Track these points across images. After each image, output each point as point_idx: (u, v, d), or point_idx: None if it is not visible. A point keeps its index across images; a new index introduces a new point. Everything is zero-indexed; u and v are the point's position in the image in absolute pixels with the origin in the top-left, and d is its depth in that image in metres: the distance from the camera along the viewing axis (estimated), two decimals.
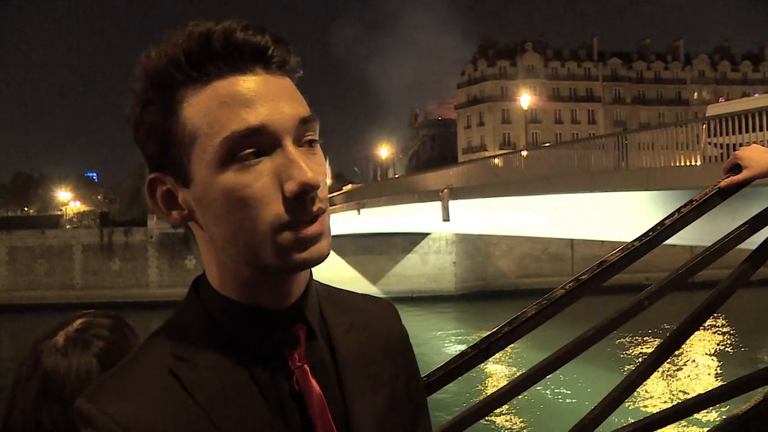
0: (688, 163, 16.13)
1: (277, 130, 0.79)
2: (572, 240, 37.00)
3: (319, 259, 0.81)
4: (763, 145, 1.97)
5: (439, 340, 29.05)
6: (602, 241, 19.78)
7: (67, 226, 48.37)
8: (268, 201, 0.79)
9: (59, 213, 58.53)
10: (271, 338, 0.85)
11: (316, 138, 0.84)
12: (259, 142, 0.79)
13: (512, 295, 36.35)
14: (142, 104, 0.82)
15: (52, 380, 1.25)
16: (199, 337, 0.84)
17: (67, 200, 67.50)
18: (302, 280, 0.88)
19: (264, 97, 0.80)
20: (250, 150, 0.79)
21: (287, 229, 0.79)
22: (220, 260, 0.84)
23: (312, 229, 0.80)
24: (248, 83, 0.80)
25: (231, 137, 0.78)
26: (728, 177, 1.88)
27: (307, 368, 0.86)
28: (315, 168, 0.81)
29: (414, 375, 1.01)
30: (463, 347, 1.75)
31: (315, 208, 0.80)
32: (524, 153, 25.01)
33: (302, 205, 0.79)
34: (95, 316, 1.35)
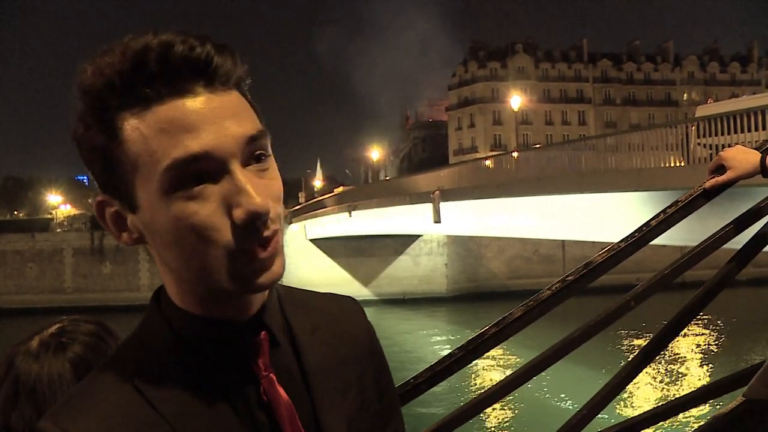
0: (678, 164, 16.20)
1: (223, 155, 0.76)
2: (563, 241, 37.05)
3: (274, 281, 0.80)
4: (751, 146, 1.98)
5: (430, 341, 29.04)
6: (593, 242, 19.82)
7: (58, 230, 48.18)
8: (217, 228, 0.76)
9: (49, 216, 58.35)
10: (234, 349, 0.84)
11: (267, 153, 0.81)
12: (204, 168, 0.75)
13: (503, 297, 36.27)
14: (84, 126, 0.78)
15: (24, 384, 1.24)
16: (162, 351, 0.83)
17: (58, 204, 67.25)
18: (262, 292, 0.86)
19: (207, 119, 0.75)
20: (196, 177, 0.75)
21: (240, 256, 0.77)
22: (176, 278, 0.83)
23: (265, 253, 0.78)
24: (189, 106, 0.75)
25: (173, 165, 0.74)
26: (713, 178, 1.90)
27: (273, 377, 0.84)
28: (264, 190, 0.78)
29: (383, 371, 1.01)
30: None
31: (268, 233, 0.78)
32: (515, 154, 25.05)
33: (254, 231, 0.76)
34: (74, 321, 1.35)
